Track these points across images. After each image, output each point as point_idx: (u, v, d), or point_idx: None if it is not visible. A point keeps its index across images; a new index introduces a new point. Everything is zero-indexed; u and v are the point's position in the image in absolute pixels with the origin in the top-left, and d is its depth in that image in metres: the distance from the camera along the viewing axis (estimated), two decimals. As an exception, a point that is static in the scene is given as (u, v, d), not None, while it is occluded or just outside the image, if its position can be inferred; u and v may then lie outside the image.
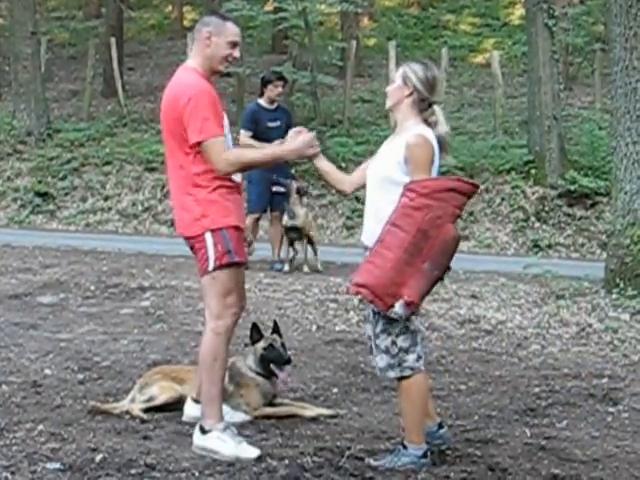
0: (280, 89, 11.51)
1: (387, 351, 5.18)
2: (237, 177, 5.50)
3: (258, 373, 6.23)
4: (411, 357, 5.17)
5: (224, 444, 5.28)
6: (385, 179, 5.15)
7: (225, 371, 5.50)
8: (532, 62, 16.44)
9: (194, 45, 5.56)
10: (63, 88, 24.26)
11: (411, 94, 5.21)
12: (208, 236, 5.33)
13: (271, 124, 11.21)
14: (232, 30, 5.47)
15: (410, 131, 5.16)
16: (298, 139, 5.43)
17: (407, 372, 5.19)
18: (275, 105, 11.50)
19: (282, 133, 11.22)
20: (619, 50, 10.30)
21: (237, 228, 5.43)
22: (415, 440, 5.24)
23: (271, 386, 6.26)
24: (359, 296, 5.16)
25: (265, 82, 11.49)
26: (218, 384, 5.41)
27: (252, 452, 5.27)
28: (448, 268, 5.06)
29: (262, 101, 11.50)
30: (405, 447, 5.26)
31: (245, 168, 5.47)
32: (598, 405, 6.85)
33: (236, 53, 5.50)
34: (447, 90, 20.02)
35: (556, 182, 15.91)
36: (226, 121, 5.50)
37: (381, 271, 4.93)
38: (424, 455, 5.24)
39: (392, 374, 5.23)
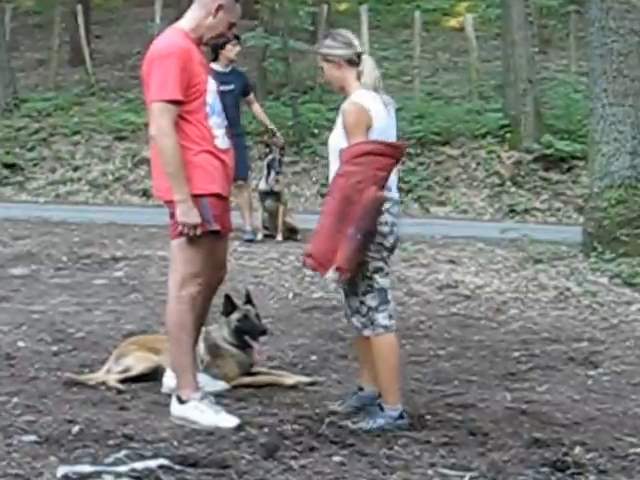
0: (238, 47, 11.24)
1: (358, 311, 5.34)
2: (224, 143, 5.39)
3: (233, 344, 6.15)
4: (381, 315, 5.28)
5: (202, 414, 5.22)
6: (337, 148, 5.29)
7: (194, 339, 5.44)
8: (506, 25, 16.39)
9: (195, 9, 5.41)
10: (29, 57, 23.97)
11: (340, 65, 5.35)
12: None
13: (223, 87, 10.89)
14: (238, 12, 5.45)
15: (350, 97, 5.32)
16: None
17: (379, 330, 5.28)
18: (229, 69, 11.28)
19: (235, 98, 11.08)
20: (595, 10, 10.26)
21: (219, 196, 5.34)
22: (390, 400, 5.31)
23: (247, 356, 6.19)
24: (307, 266, 5.30)
25: (222, 44, 11.24)
26: (189, 354, 5.35)
27: (231, 421, 5.20)
28: (373, 232, 5.16)
29: (215, 65, 11.25)
30: (382, 408, 5.30)
31: (165, 156, 5.20)
32: (578, 368, 6.88)
33: (229, 34, 5.62)
34: (421, 55, 19.89)
35: (532, 146, 15.91)
36: (212, 85, 5.42)
37: (318, 239, 5.16)
38: (400, 416, 5.29)
39: (367, 332, 5.33)
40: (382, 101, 5.32)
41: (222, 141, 5.39)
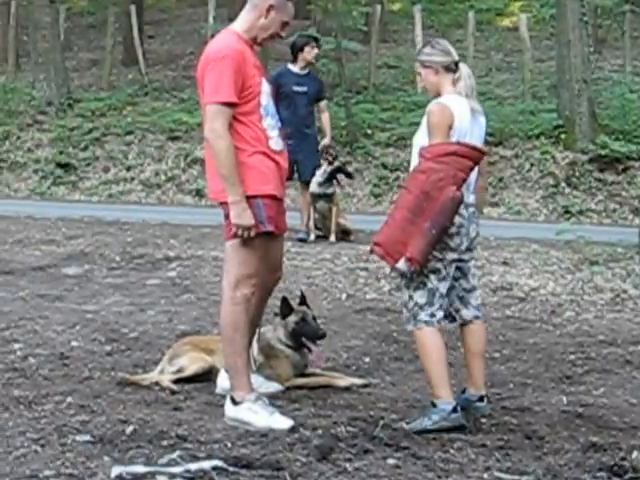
0: (317, 50, 11.43)
1: (405, 305, 5.43)
2: (278, 144, 5.39)
3: (288, 345, 6.13)
4: (424, 313, 5.35)
5: (256, 415, 5.21)
6: (419, 146, 5.43)
7: (248, 340, 5.43)
8: (561, 25, 16.26)
9: (247, 10, 5.42)
10: (83, 57, 24.21)
11: (438, 71, 5.47)
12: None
13: (297, 88, 11.08)
14: (290, 11, 5.45)
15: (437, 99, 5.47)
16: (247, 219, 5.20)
17: (420, 325, 5.36)
18: (306, 71, 11.34)
19: (308, 100, 11.20)
20: (652, 10, 10.13)
21: (274, 197, 5.33)
22: (442, 394, 5.31)
23: (301, 358, 6.17)
24: (374, 254, 5.45)
25: (301, 46, 11.31)
26: (243, 355, 5.34)
27: (285, 423, 5.18)
28: (447, 228, 5.28)
29: (292, 66, 11.34)
30: (434, 405, 5.31)
31: (218, 158, 5.20)
32: (635, 372, 6.76)
33: (283, 33, 5.50)
34: (474, 55, 19.79)
35: (586, 147, 15.75)
36: (265, 87, 5.41)
37: (389, 229, 5.28)
38: (454, 410, 5.28)
39: (409, 327, 5.45)
40: (470, 107, 5.42)
41: (276, 142, 5.38)
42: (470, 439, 5.13)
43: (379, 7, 21.02)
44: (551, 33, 20.87)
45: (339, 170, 11.56)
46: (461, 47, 21.18)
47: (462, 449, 4.97)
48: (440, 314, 5.42)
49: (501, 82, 20.19)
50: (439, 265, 5.33)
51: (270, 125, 5.37)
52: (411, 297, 5.37)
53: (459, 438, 5.14)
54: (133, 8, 22.02)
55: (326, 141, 11.51)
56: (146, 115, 19.13)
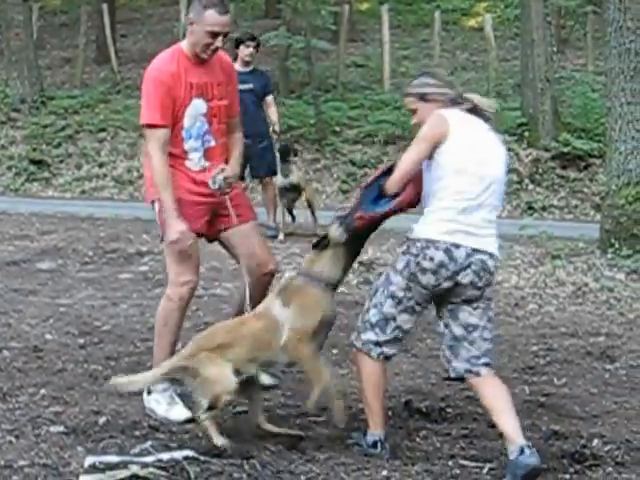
0: (251, 49, 11.20)
1: (362, 314, 5.01)
2: (197, 165, 5.43)
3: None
4: (371, 333, 4.89)
5: (158, 405, 5.32)
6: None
7: (175, 337, 5.49)
8: (525, 25, 16.39)
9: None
10: (55, 55, 24.09)
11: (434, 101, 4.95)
12: (156, 205, 5.42)
13: (241, 86, 10.84)
14: (211, 19, 5.22)
15: None
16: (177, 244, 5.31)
17: (359, 345, 4.94)
18: (250, 68, 11.25)
19: (256, 97, 11.07)
20: (613, 11, 10.28)
21: (180, 199, 5.31)
22: (369, 424, 4.99)
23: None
24: None
25: (237, 43, 11.27)
26: (166, 349, 5.43)
27: (182, 414, 5.24)
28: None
29: (235, 64, 11.35)
30: (365, 433, 5.02)
31: (154, 174, 5.32)
32: (596, 363, 6.87)
33: (217, 43, 5.29)
34: (440, 54, 19.94)
35: (549, 144, 15.86)
36: (195, 109, 5.39)
37: None
38: (374, 444, 4.90)
39: (352, 338, 5.03)
40: None
41: (196, 164, 5.42)
42: (435, 428, 5.24)
43: (347, 7, 21.10)
44: (515, 33, 20.99)
45: (285, 148, 11.51)
46: (427, 47, 21.39)
47: (427, 437, 5.09)
48: (388, 350, 4.89)
49: (466, 81, 20.21)
50: (400, 293, 4.79)
51: (192, 147, 5.41)
52: (368, 310, 4.91)
53: (424, 427, 5.25)
54: (105, 7, 21.98)
55: (276, 129, 11.42)
56: (118, 113, 19.10)
